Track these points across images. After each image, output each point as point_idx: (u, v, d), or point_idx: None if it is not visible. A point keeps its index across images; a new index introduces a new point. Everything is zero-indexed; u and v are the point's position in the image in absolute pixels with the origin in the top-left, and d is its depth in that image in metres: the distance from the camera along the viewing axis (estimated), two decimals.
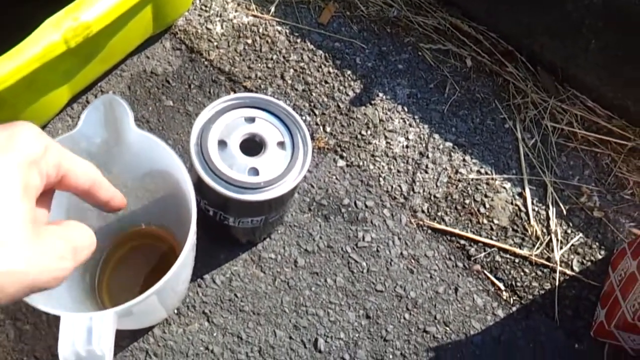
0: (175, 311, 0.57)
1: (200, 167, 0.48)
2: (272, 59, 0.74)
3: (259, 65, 0.74)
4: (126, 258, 0.57)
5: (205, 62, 0.73)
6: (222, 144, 0.50)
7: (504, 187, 0.69)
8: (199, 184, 0.49)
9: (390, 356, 0.57)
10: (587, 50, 0.72)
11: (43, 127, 0.66)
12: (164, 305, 0.51)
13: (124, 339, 0.54)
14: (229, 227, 0.54)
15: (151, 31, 0.70)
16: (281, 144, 0.51)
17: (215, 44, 0.74)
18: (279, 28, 0.76)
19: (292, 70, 0.74)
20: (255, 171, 0.50)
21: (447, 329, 0.60)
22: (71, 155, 0.29)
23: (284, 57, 0.75)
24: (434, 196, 0.68)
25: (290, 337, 0.57)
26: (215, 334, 0.56)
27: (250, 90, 0.71)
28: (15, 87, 0.53)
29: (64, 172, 0.29)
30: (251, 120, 0.52)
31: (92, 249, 0.29)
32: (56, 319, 0.52)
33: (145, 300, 0.40)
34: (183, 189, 0.45)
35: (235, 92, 0.71)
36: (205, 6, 0.77)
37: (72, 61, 0.59)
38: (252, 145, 0.52)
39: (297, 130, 0.52)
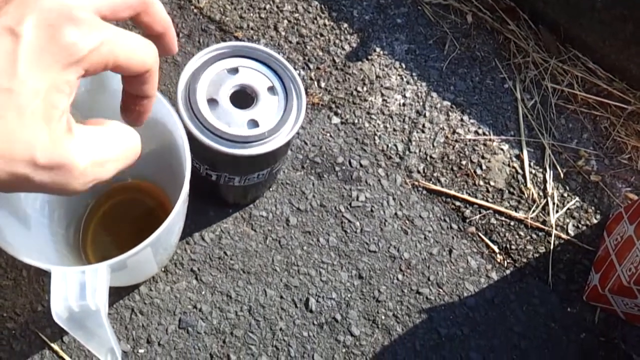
0: (163, 269, 0.55)
1: (199, 132, 0.45)
2: (265, 8, 0.71)
3: (251, 14, 0.70)
4: (111, 212, 0.55)
5: (195, 10, 0.69)
6: (213, 102, 0.47)
7: (502, 149, 0.67)
8: (201, 152, 0.46)
9: (383, 317, 0.56)
10: (592, 9, 0.70)
11: None
12: (156, 259, 0.49)
13: (109, 296, 0.52)
14: (232, 187, 0.52)
15: None
16: (271, 89, 0.49)
17: None
18: None
19: (285, 21, 0.70)
20: (254, 123, 0.47)
21: (441, 290, 0.59)
22: (126, 49, 0.24)
23: (277, 6, 0.71)
24: (430, 156, 0.66)
25: (281, 297, 0.56)
26: (203, 292, 0.54)
27: (242, 42, 0.68)
28: None
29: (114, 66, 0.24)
30: (234, 71, 0.49)
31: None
32: (37, 274, 0.50)
33: (139, 253, 0.38)
34: (175, 139, 0.42)
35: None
36: None
37: None
38: (243, 97, 0.49)
39: (283, 71, 0.50)
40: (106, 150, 0.24)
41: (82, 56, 0.21)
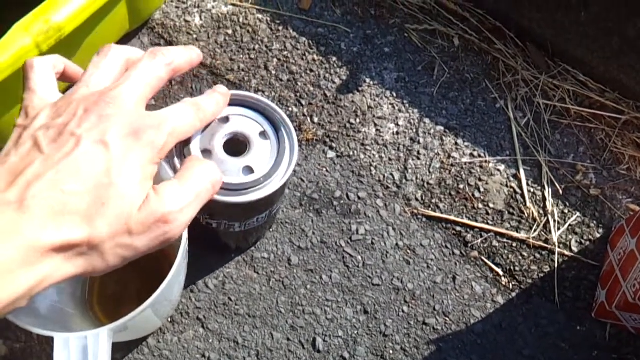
0: (169, 319, 0.55)
1: None
2: (254, 49, 0.72)
3: (241, 56, 0.71)
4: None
5: None
6: (207, 152, 0.48)
7: (498, 170, 0.68)
8: None
9: (391, 351, 0.57)
10: (577, 23, 0.70)
11: None
12: (158, 315, 0.50)
13: (118, 351, 0.53)
14: (233, 233, 0.53)
15: (128, 27, 0.67)
16: (263, 134, 0.50)
17: (195, 36, 0.72)
18: (260, 16, 0.74)
19: (275, 60, 0.71)
20: (249, 169, 0.48)
21: (447, 319, 0.59)
22: (183, 125, 0.32)
23: (266, 46, 0.72)
24: (427, 183, 0.66)
25: (288, 339, 0.56)
26: (211, 340, 0.55)
27: (234, 84, 0.69)
28: None
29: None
30: (226, 119, 0.50)
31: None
32: (48, 337, 0.51)
33: (140, 314, 0.39)
34: None
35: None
36: None
37: None
38: (236, 144, 0.50)
39: (272, 115, 0.50)
40: (190, 193, 0.30)
41: (159, 149, 0.29)
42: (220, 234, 0.53)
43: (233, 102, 0.51)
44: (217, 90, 0.37)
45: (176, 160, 0.47)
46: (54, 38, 0.52)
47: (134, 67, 0.31)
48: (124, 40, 0.69)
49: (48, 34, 0.52)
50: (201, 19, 0.73)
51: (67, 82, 0.34)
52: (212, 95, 0.36)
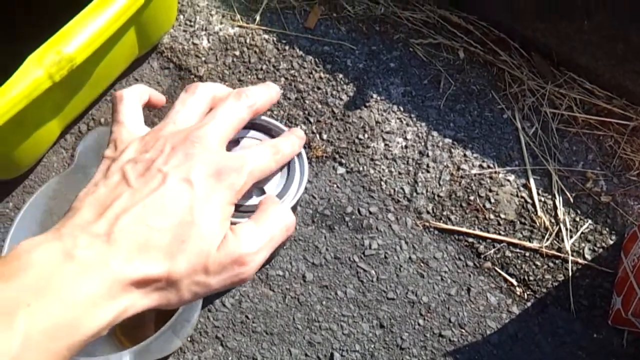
0: (189, 339, 0.56)
1: None
2: (261, 69, 0.73)
3: (249, 77, 0.72)
4: None
5: (195, 79, 0.72)
6: None
7: (508, 180, 0.68)
8: None
9: None
10: (581, 31, 0.71)
11: (38, 162, 0.65)
12: (178, 335, 0.50)
13: None
14: None
15: (137, 53, 0.68)
16: None
17: (203, 59, 0.73)
18: (266, 36, 0.75)
19: (283, 79, 0.73)
20: (261, 191, 0.49)
21: (463, 331, 0.59)
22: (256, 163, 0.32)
23: (273, 66, 0.73)
24: (438, 195, 0.67)
25: (306, 354, 0.56)
26: (230, 358, 0.56)
27: None
28: (4, 127, 0.52)
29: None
30: (236, 142, 0.51)
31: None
32: None
33: (160, 336, 0.39)
34: None
35: None
36: (190, 21, 0.76)
37: (59, 94, 0.58)
38: None
39: (280, 134, 0.51)
40: (266, 235, 0.30)
41: (238, 190, 0.29)
42: None
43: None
44: (294, 132, 0.38)
45: None
46: (66, 69, 0.54)
47: (219, 108, 0.32)
48: (134, 65, 0.71)
49: (60, 65, 0.53)
50: (209, 42, 0.74)
51: (152, 108, 0.36)
52: (289, 137, 0.37)
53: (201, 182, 0.28)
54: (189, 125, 0.31)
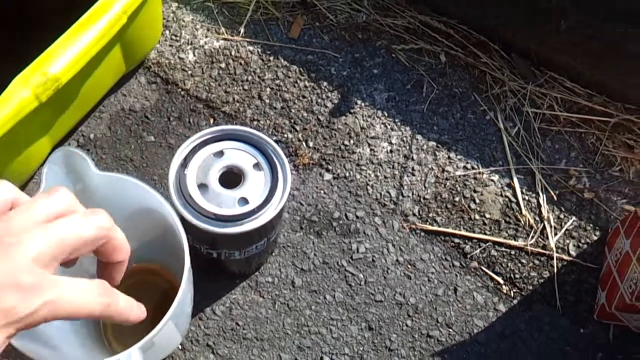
0: (180, 347, 0.57)
1: (192, 217, 0.48)
2: (247, 80, 0.74)
3: (235, 88, 0.74)
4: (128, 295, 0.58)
5: (182, 92, 0.73)
6: (203, 186, 0.50)
7: (492, 180, 0.69)
8: (198, 234, 0.49)
9: None
10: (558, 32, 0.72)
11: (29, 180, 0.66)
12: (179, 329, 0.51)
13: None
14: (234, 261, 0.55)
15: (124, 69, 0.70)
16: (257, 165, 0.52)
17: (190, 72, 0.75)
18: (251, 48, 0.77)
19: (268, 89, 0.74)
20: (244, 200, 0.50)
21: (451, 330, 0.60)
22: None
23: (259, 76, 0.75)
24: (424, 198, 0.68)
25: (296, 359, 0.57)
26: None
27: (230, 115, 0.72)
28: None
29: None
30: (220, 154, 0.52)
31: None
32: None
33: (164, 328, 0.41)
34: (170, 223, 0.45)
35: (214, 118, 0.71)
36: (176, 36, 0.77)
37: (47, 114, 0.59)
38: (231, 176, 0.52)
39: (265, 146, 0.52)
40: None
41: (18, 318, 0.23)
42: (222, 262, 0.55)
43: (227, 136, 0.53)
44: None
45: (174, 197, 0.49)
46: (52, 89, 0.55)
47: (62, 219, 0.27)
48: (122, 81, 0.72)
49: (46, 85, 0.54)
50: (194, 55, 0.76)
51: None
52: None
53: None
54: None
